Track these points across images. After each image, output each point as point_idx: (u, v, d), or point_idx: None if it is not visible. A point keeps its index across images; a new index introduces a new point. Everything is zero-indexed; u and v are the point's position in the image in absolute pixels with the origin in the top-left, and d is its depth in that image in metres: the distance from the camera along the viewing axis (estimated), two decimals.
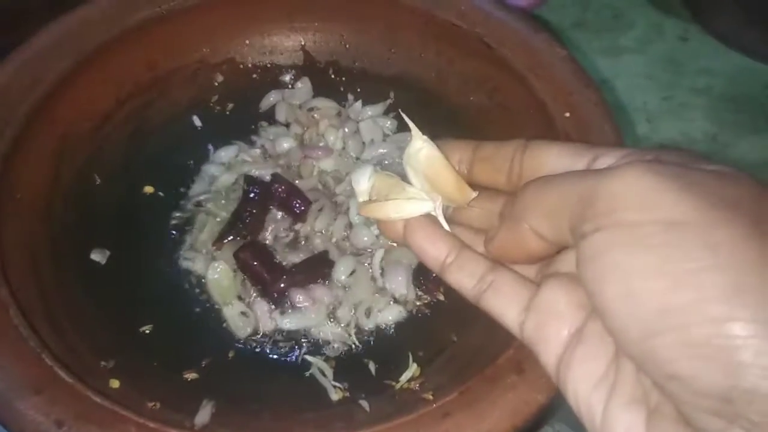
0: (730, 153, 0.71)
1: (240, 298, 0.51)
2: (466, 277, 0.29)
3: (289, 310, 0.50)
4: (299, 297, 0.50)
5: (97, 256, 0.51)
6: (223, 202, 0.55)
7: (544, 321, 0.27)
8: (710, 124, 0.73)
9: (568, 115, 0.49)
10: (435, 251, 0.30)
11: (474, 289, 0.29)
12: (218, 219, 0.54)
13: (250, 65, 0.62)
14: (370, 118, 0.60)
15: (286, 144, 0.59)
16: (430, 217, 0.31)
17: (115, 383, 0.42)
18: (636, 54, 0.79)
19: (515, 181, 0.29)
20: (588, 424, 0.25)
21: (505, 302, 0.28)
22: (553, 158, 0.28)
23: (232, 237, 0.53)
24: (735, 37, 0.79)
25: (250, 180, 0.54)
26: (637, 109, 0.75)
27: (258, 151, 0.59)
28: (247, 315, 0.50)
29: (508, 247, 0.28)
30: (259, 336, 0.50)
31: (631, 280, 0.22)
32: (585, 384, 0.25)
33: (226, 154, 0.58)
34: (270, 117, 0.61)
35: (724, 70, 0.78)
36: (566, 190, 0.24)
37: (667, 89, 0.76)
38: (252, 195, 0.53)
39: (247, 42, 0.62)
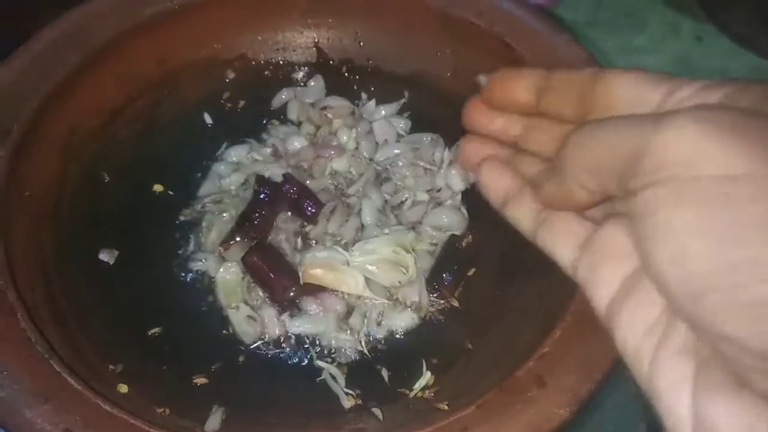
0: None
1: (246, 303, 0.50)
2: (523, 212, 0.30)
3: (298, 314, 0.49)
4: (310, 306, 0.49)
5: (106, 256, 0.50)
6: (232, 201, 0.54)
7: (598, 261, 0.26)
8: None
9: None
10: (497, 186, 0.31)
11: (529, 224, 0.29)
12: (227, 218, 0.53)
13: (262, 62, 0.61)
14: (384, 118, 0.59)
15: (297, 143, 0.58)
16: (499, 157, 0.32)
17: (123, 388, 0.41)
18: (650, 53, 0.78)
19: (584, 113, 0.28)
20: (634, 369, 0.24)
21: (558, 239, 0.28)
22: (625, 89, 0.26)
23: (239, 238, 0.52)
24: (750, 38, 0.78)
25: (261, 180, 0.53)
26: None
27: (269, 150, 0.57)
28: (254, 319, 0.49)
29: (555, 199, 0.27)
30: (268, 340, 0.48)
31: (681, 241, 0.20)
32: (635, 330, 0.24)
33: (236, 152, 0.57)
34: (282, 115, 0.60)
35: (739, 70, 0.76)
36: (612, 145, 0.23)
37: None
38: (262, 195, 0.52)
39: (260, 38, 0.60)
